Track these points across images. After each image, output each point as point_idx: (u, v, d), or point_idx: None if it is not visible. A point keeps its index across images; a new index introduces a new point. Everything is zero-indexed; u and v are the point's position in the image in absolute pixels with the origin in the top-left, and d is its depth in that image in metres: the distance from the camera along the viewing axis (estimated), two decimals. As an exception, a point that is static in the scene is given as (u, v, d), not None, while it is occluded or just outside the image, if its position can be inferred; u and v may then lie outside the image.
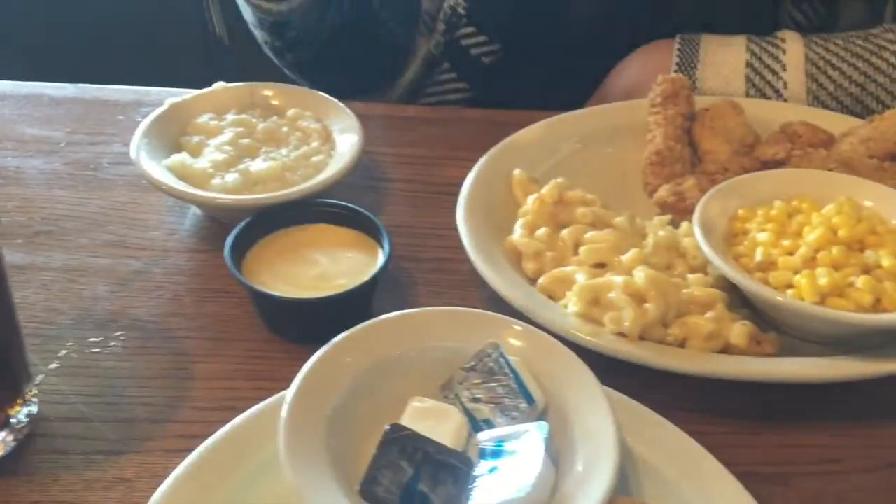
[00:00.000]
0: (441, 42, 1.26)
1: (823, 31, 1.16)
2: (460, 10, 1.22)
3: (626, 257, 0.85)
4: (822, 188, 0.91)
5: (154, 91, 1.19)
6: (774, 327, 0.85)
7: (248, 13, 1.23)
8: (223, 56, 1.27)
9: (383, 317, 0.73)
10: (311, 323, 0.85)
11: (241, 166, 0.96)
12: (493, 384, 0.69)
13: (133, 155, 0.96)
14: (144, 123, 1.00)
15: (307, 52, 1.27)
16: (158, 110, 1.03)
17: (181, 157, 0.97)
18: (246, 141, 1.00)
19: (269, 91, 1.08)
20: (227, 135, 1.00)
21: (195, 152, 0.99)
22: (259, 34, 1.28)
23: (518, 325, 0.73)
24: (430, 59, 1.29)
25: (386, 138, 1.13)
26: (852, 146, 1.00)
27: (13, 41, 1.85)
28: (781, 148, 1.00)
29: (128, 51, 1.84)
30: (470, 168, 1.00)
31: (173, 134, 1.01)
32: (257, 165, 0.96)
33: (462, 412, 0.69)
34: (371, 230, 0.90)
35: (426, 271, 0.94)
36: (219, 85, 1.07)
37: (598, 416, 0.66)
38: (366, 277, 0.84)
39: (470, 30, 1.23)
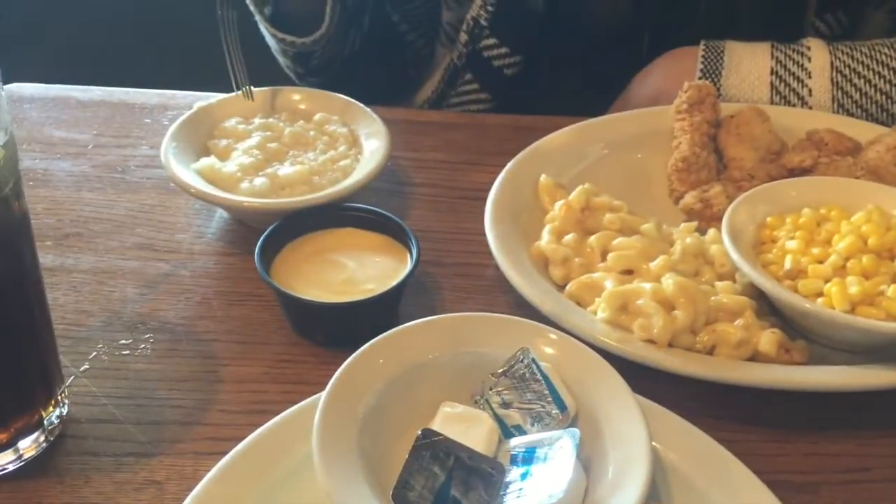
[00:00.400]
0: (463, 53, 1.27)
1: (846, 41, 1.16)
2: (482, 22, 1.23)
3: (655, 264, 0.85)
4: (849, 196, 0.91)
5: (180, 94, 1.20)
6: (803, 335, 0.84)
7: (271, 42, 1.24)
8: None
9: (415, 322, 0.73)
10: (339, 327, 0.85)
11: (269, 170, 0.97)
12: (525, 390, 0.69)
13: (162, 158, 0.97)
14: (173, 127, 1.01)
15: (329, 75, 1.28)
16: (187, 114, 1.03)
17: (210, 161, 0.97)
18: (273, 145, 1.00)
19: (296, 95, 1.09)
20: (255, 139, 1.01)
21: (223, 156, 0.99)
22: (282, 60, 1.30)
23: (549, 332, 0.73)
24: (452, 70, 1.29)
25: (410, 143, 1.13)
26: (879, 154, 1.00)
27: (39, 44, 1.86)
28: (808, 155, 1.00)
29: (151, 53, 1.85)
30: (493, 173, 1.00)
31: (201, 137, 1.02)
32: (285, 169, 0.97)
33: (492, 418, 0.69)
34: (398, 235, 0.90)
35: (451, 276, 0.95)
36: (246, 89, 1.08)
37: (629, 423, 0.66)
38: (394, 282, 0.84)
39: (492, 41, 1.24)
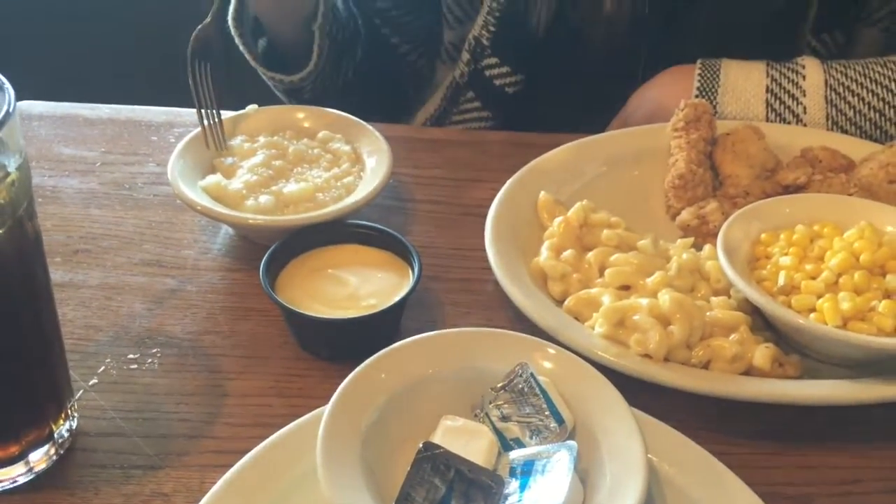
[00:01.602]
0: (465, 72, 1.29)
1: (841, 59, 1.18)
2: (484, 41, 1.25)
3: (651, 280, 0.87)
4: (842, 213, 0.93)
5: (186, 112, 1.21)
6: (797, 350, 0.86)
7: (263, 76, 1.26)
8: (247, 79, 1.32)
9: (416, 337, 0.74)
10: (342, 342, 0.87)
11: (274, 188, 0.99)
12: (523, 404, 0.71)
13: (169, 176, 0.98)
14: (180, 145, 1.03)
15: (324, 104, 1.31)
16: (193, 132, 1.05)
17: (216, 179, 0.99)
18: (278, 163, 1.02)
19: (300, 113, 1.10)
20: (260, 156, 1.02)
21: (229, 174, 1.01)
22: (276, 92, 1.32)
23: (548, 347, 0.74)
24: (454, 88, 1.31)
25: (412, 160, 1.15)
26: (872, 171, 1.02)
27: (47, 62, 1.88)
28: (802, 173, 1.02)
29: (158, 71, 1.87)
30: (494, 189, 1.02)
31: (207, 155, 1.04)
32: (290, 187, 0.99)
33: (492, 431, 0.71)
34: (400, 251, 0.92)
35: (452, 291, 0.96)
36: (251, 107, 1.10)
37: (625, 436, 0.68)
38: (396, 298, 0.86)
39: (493, 60, 1.26)
